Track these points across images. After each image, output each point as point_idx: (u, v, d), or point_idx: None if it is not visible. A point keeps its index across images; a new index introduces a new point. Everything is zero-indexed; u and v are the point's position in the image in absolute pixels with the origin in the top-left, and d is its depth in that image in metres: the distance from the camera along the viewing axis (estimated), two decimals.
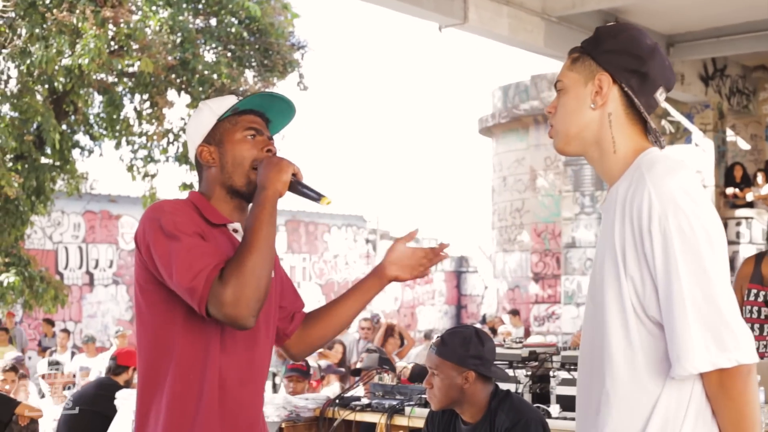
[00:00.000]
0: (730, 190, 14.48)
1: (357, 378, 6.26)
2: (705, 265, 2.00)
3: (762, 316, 5.42)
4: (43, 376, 9.80)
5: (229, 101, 2.65)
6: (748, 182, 14.65)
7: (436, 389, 3.80)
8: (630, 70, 2.19)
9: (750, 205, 14.57)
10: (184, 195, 10.24)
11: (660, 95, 2.23)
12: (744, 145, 15.64)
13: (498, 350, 4.85)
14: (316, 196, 2.54)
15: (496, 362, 3.92)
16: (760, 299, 5.42)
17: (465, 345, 3.83)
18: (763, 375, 3.95)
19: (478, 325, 18.88)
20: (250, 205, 2.57)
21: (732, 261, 14.05)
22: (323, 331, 2.83)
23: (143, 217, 2.51)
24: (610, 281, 2.12)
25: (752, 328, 5.38)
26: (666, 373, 2.05)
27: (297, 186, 2.53)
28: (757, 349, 5.38)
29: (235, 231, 2.60)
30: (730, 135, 15.17)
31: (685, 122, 14.32)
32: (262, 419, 2.65)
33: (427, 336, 16.71)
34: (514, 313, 17.57)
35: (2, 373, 7.64)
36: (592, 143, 2.24)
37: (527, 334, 14.61)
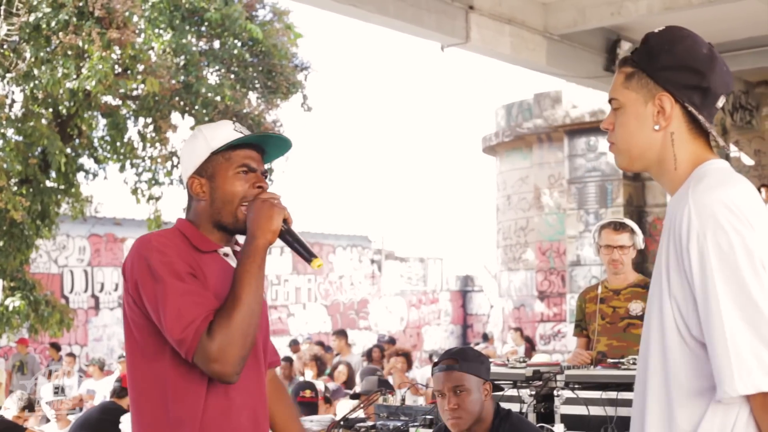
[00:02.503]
0: None
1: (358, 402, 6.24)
2: (745, 284, 1.91)
3: None
4: (48, 403, 9.79)
5: (224, 131, 2.61)
6: None
7: (468, 407, 3.75)
8: (691, 86, 2.10)
9: None
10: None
11: (720, 103, 2.15)
12: (747, 160, 15.63)
13: (502, 370, 4.83)
14: (308, 257, 2.52)
15: (498, 381, 3.91)
16: None
17: (481, 358, 3.88)
18: None
19: (482, 343, 18.86)
20: (237, 236, 2.58)
21: None
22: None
23: (131, 251, 2.49)
24: (655, 300, 2.08)
25: None
26: (711, 395, 1.98)
27: (287, 237, 2.52)
28: None
29: (226, 255, 2.60)
30: (733, 151, 15.15)
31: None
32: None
33: (431, 357, 16.68)
34: (517, 330, 17.63)
35: (18, 412, 7.72)
36: (654, 162, 2.17)
37: (527, 353, 14.55)
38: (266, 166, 2.72)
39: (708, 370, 1.98)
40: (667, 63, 2.13)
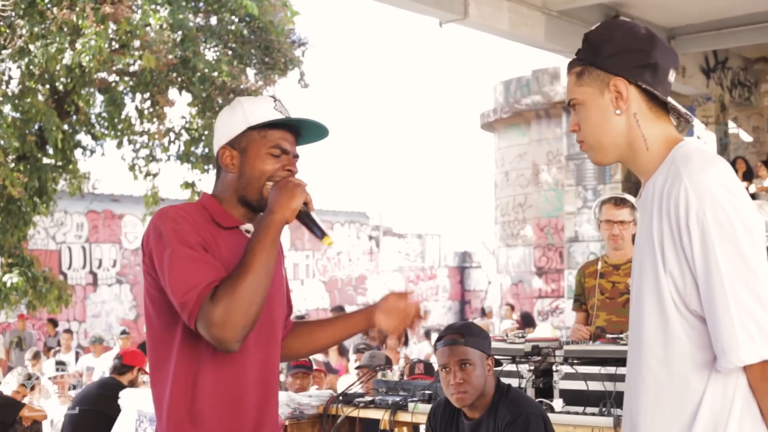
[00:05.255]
0: (743, 185, 14.43)
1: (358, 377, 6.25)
2: (745, 257, 1.99)
3: None
4: (50, 378, 9.82)
5: (264, 108, 2.60)
6: (750, 176, 14.62)
7: (473, 381, 3.79)
8: (640, 65, 2.18)
9: (752, 197, 14.54)
10: (186, 193, 10.17)
11: (671, 77, 2.24)
12: (746, 137, 15.62)
13: (501, 345, 4.85)
14: (320, 234, 2.54)
15: (498, 357, 3.93)
16: None
17: (484, 333, 3.92)
18: None
19: (478, 318, 18.92)
20: (260, 214, 2.58)
21: None
22: (299, 347, 2.86)
23: (149, 223, 2.51)
24: (648, 276, 2.12)
25: None
26: (710, 367, 2.04)
27: (304, 217, 2.53)
28: None
29: (248, 231, 2.60)
30: (732, 127, 15.14)
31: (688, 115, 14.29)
32: (273, 418, 2.64)
33: (428, 334, 16.69)
34: (508, 305, 17.83)
35: (18, 387, 7.77)
36: (625, 147, 2.23)
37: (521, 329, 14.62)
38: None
39: (708, 342, 2.03)
40: (612, 51, 2.20)
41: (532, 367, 4.69)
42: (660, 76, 2.20)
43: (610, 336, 4.66)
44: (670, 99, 2.22)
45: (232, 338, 2.34)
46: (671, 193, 2.07)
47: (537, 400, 4.36)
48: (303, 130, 2.66)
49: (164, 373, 2.51)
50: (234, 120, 2.60)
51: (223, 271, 2.41)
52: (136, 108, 12.90)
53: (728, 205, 2.01)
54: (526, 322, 15.63)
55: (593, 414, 4.31)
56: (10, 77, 11.49)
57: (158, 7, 11.77)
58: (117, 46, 11.33)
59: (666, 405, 2.09)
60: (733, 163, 14.59)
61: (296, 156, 2.64)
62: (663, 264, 2.08)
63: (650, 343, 2.12)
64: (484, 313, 20.18)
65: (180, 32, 11.83)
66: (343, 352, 11.59)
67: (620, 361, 4.24)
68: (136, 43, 11.26)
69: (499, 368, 4.59)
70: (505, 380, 4.11)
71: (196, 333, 2.39)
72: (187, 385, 2.48)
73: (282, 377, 7.92)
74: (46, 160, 11.99)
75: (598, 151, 2.26)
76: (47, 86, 11.83)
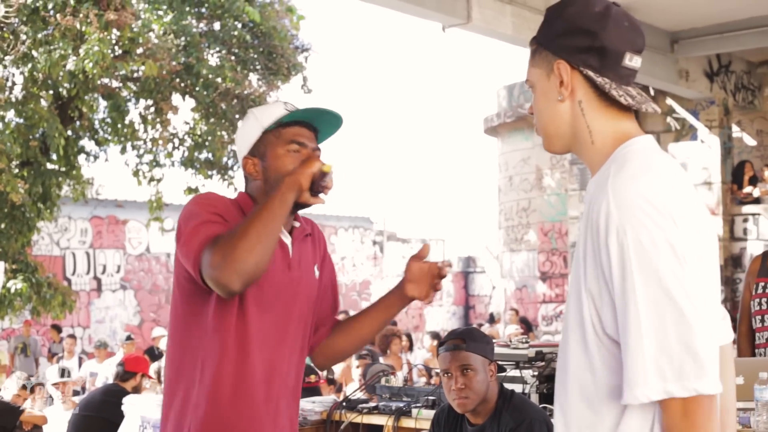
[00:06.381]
0: (747, 189, 14.39)
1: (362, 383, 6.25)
2: (667, 285, 1.77)
3: None
4: (54, 385, 9.82)
5: (275, 109, 2.62)
6: (755, 181, 14.59)
7: (475, 387, 3.77)
8: (584, 48, 1.96)
9: (757, 201, 14.52)
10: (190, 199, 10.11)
11: (631, 61, 1.98)
12: (750, 141, 15.59)
13: (504, 350, 4.84)
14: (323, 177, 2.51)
15: (501, 362, 3.93)
16: None
17: (486, 338, 3.92)
18: None
19: (486, 324, 18.90)
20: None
21: (740, 257, 14.01)
22: (344, 345, 2.84)
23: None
24: (573, 294, 1.93)
25: (762, 320, 5.40)
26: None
27: (320, 180, 2.51)
28: (761, 339, 5.42)
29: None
30: (735, 131, 15.11)
31: (691, 119, 14.27)
32: (287, 416, 2.64)
33: (435, 337, 16.68)
34: (513, 310, 17.83)
35: (18, 390, 7.77)
36: (570, 137, 2.02)
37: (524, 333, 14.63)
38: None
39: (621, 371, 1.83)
40: (558, 29, 1.99)
41: (536, 373, 4.68)
42: (609, 61, 1.96)
43: None
44: (619, 93, 1.97)
45: (231, 278, 2.33)
46: (594, 204, 1.87)
47: (541, 405, 4.35)
48: (319, 125, 2.66)
49: (185, 361, 2.55)
50: (249, 128, 2.63)
51: None
52: (140, 114, 12.90)
53: (652, 223, 1.79)
54: (526, 326, 15.66)
55: None
56: (13, 83, 11.50)
57: (161, 13, 11.78)
58: (120, 52, 11.34)
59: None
60: (741, 167, 14.56)
61: (317, 149, 2.64)
62: (584, 281, 1.88)
63: (575, 366, 1.92)
64: (492, 319, 20.13)
65: (183, 38, 11.84)
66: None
67: None
68: (139, 49, 11.27)
69: (502, 374, 4.58)
70: (508, 386, 4.09)
71: (226, 323, 2.46)
72: (202, 379, 2.51)
73: None
74: (49, 166, 11.99)
75: (545, 137, 2.06)
76: (50, 92, 11.83)
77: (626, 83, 1.99)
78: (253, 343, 2.50)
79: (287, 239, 2.62)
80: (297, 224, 2.65)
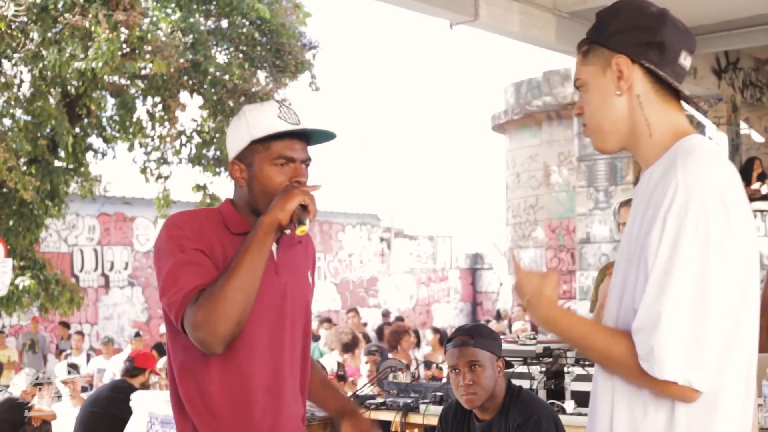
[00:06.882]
0: (755, 186, 14.36)
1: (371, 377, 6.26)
2: (706, 280, 1.84)
3: None
4: (63, 382, 9.85)
5: (267, 118, 2.55)
6: (764, 177, 14.56)
7: (483, 383, 3.78)
8: (644, 43, 2.03)
9: (765, 197, 14.49)
10: (198, 196, 10.22)
11: (685, 60, 2.07)
12: (758, 137, 15.57)
13: (512, 347, 4.85)
14: (297, 225, 2.46)
15: (509, 358, 3.93)
16: None
17: (494, 335, 3.92)
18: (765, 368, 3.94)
19: (493, 321, 18.90)
20: None
21: None
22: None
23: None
24: (631, 275, 1.97)
25: None
26: None
27: (298, 216, 2.45)
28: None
29: None
30: (743, 128, 15.08)
31: (699, 116, 14.23)
32: (291, 426, 2.63)
33: (436, 332, 16.68)
34: (522, 308, 17.73)
35: (27, 387, 7.81)
36: (627, 132, 2.07)
37: (533, 328, 14.58)
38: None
39: None
40: (616, 27, 2.07)
41: (544, 369, 4.68)
42: (668, 57, 2.04)
43: None
44: (681, 88, 2.07)
45: (213, 341, 2.35)
46: (661, 184, 1.93)
47: (548, 401, 4.36)
48: (311, 132, 2.62)
49: (183, 374, 2.55)
50: (238, 134, 2.58)
51: (216, 273, 2.43)
52: (148, 111, 12.93)
53: (713, 215, 1.85)
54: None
55: None
56: (21, 81, 11.52)
57: (169, 11, 11.79)
58: (128, 50, 11.36)
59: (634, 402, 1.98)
60: (750, 163, 14.53)
61: (306, 161, 2.60)
62: (639, 257, 1.94)
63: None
64: (500, 315, 20.12)
65: (191, 36, 11.85)
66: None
67: None
68: (148, 47, 11.28)
69: (510, 370, 4.59)
70: (516, 382, 4.10)
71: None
72: (197, 389, 2.51)
73: None
74: (57, 163, 12.02)
75: (599, 135, 2.11)
76: (58, 90, 11.86)
77: (679, 82, 2.06)
78: (251, 350, 2.49)
79: (272, 246, 2.58)
80: (287, 232, 2.61)
